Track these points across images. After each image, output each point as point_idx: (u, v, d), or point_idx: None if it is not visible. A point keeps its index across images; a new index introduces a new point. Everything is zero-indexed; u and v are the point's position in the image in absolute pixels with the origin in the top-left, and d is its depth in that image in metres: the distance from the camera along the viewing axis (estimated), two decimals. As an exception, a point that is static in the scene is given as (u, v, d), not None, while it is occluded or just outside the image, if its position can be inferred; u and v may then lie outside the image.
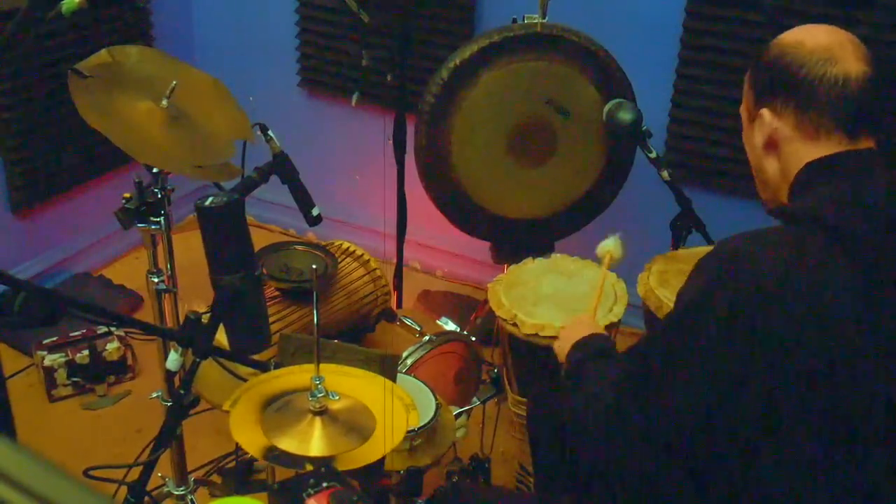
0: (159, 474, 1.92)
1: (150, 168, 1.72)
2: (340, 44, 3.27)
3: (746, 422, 1.19)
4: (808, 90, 1.24)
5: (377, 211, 2.94)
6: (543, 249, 2.62)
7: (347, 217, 3.46)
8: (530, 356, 2.13)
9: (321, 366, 1.52)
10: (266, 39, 3.46)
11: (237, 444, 1.55)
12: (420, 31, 3.02)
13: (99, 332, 2.77)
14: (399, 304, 3.04)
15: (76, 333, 2.77)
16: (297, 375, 1.62)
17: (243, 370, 1.93)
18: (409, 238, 2.93)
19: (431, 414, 1.93)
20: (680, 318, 1.27)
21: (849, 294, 1.16)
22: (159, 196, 1.72)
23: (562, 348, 1.69)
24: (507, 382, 2.21)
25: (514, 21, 2.45)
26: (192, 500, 1.99)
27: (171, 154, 1.75)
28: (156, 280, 1.81)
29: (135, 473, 1.79)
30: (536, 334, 2.02)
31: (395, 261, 2.96)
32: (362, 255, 2.94)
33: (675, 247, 2.36)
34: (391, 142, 2.76)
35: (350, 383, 1.60)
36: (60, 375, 2.70)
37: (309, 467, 1.49)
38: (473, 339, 2.46)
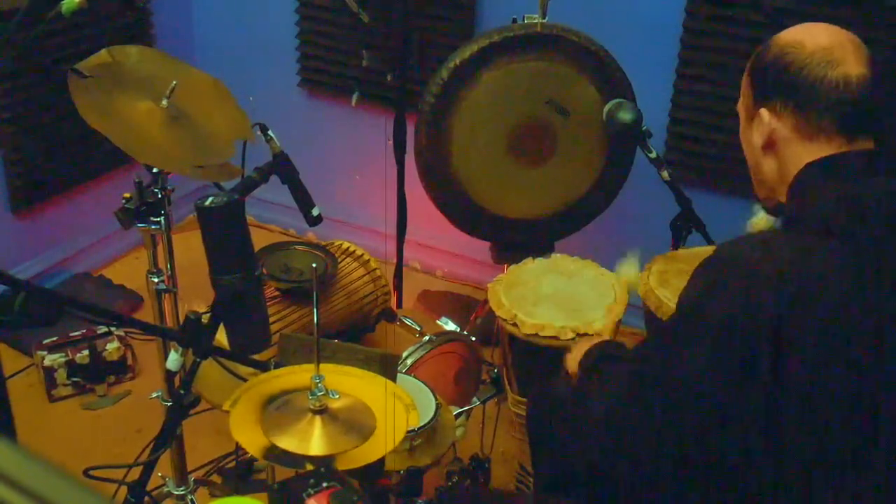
0: (159, 474, 1.92)
1: (150, 168, 1.72)
2: (340, 44, 3.27)
3: (747, 424, 1.19)
4: (809, 92, 1.24)
5: (377, 211, 2.94)
6: (543, 249, 2.62)
7: (347, 217, 3.46)
8: (530, 356, 2.13)
9: (321, 366, 1.52)
10: (266, 39, 3.46)
11: (237, 444, 1.55)
12: (420, 31, 3.02)
13: (99, 332, 2.77)
14: (399, 304, 3.04)
15: (76, 333, 2.77)
16: (297, 375, 1.62)
17: (243, 370, 1.93)
18: (409, 238, 2.93)
19: (431, 414, 1.93)
20: (681, 320, 1.27)
21: (850, 295, 1.16)
22: (159, 196, 1.72)
23: (573, 359, 1.68)
24: (507, 382, 2.21)
25: (514, 21, 2.45)
26: (192, 500, 1.99)
27: (171, 154, 1.75)
28: (156, 280, 1.81)
29: (135, 473, 1.79)
30: (536, 334, 2.02)
31: (395, 261, 2.96)
32: (362, 255, 2.94)
33: (675, 247, 2.36)
34: (391, 142, 2.76)
35: (350, 383, 1.60)
36: (60, 375, 2.70)
37: (309, 467, 1.49)
38: (473, 339, 2.46)
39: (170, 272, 1.82)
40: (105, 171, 3.26)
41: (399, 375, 1.93)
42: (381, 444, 1.48)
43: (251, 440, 1.48)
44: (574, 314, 2.09)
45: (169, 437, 1.77)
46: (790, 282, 1.16)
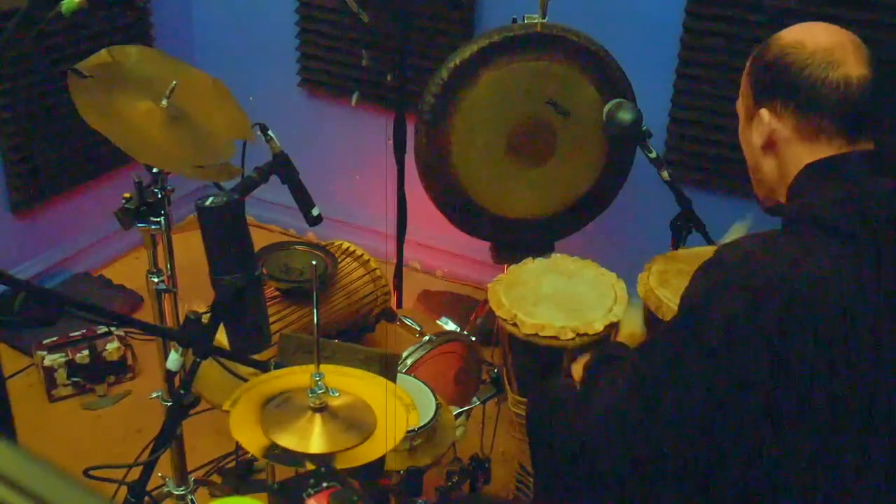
0: (159, 474, 1.92)
1: (150, 168, 1.72)
2: (340, 44, 3.27)
3: (749, 424, 1.19)
4: (810, 93, 1.24)
5: (377, 211, 2.94)
6: (543, 249, 2.62)
7: (347, 217, 3.46)
8: (530, 356, 2.13)
9: (321, 366, 1.52)
10: (266, 39, 3.46)
11: (237, 443, 1.55)
12: (420, 31, 3.02)
13: (99, 332, 2.77)
14: (399, 304, 3.04)
15: (76, 333, 2.77)
16: (297, 375, 1.62)
17: (243, 370, 1.93)
18: (409, 238, 2.93)
19: (431, 414, 1.93)
20: (684, 320, 1.26)
21: (851, 296, 1.16)
22: (159, 196, 1.72)
23: (580, 366, 1.67)
24: (507, 382, 2.21)
25: (514, 21, 2.45)
26: (192, 500, 1.99)
27: (171, 154, 1.75)
28: (156, 280, 1.81)
29: (135, 473, 1.79)
30: (536, 334, 2.02)
31: (395, 261, 2.96)
32: (362, 255, 2.94)
33: (675, 247, 2.36)
34: (391, 142, 2.76)
35: (350, 383, 1.60)
36: (60, 375, 2.70)
37: (309, 466, 1.49)
38: (473, 339, 2.46)
39: (170, 272, 1.82)
40: (105, 171, 3.26)
41: (399, 375, 1.93)
42: (381, 444, 1.48)
43: (251, 440, 1.48)
44: (574, 314, 2.09)
45: (169, 437, 1.77)
46: (791, 283, 1.16)
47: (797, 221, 1.25)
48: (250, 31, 3.48)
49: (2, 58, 2.63)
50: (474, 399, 2.21)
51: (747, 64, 1.36)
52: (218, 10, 3.54)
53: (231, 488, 2.22)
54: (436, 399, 1.99)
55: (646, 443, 1.28)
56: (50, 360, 2.68)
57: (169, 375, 1.76)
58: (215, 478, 2.36)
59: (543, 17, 2.41)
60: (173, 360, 1.70)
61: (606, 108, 2.41)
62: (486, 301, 2.46)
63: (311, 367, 1.52)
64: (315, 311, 1.51)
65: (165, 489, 2.00)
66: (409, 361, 2.23)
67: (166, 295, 1.82)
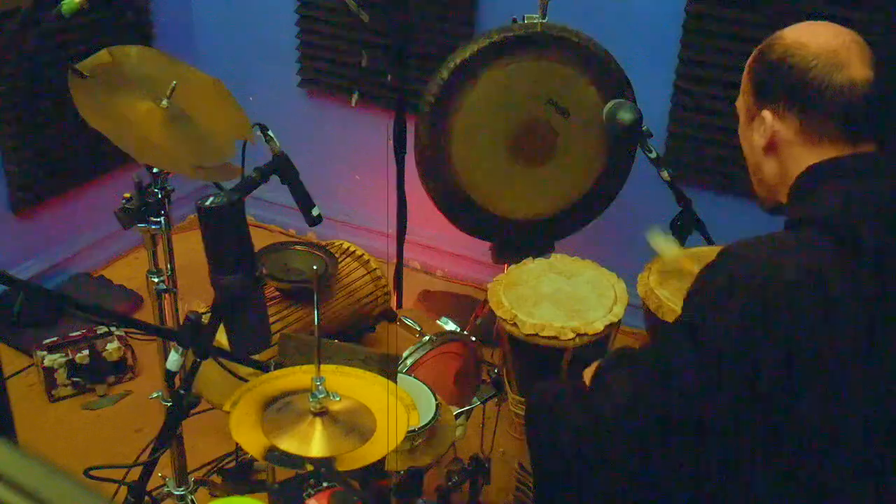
0: (159, 474, 1.92)
1: (150, 168, 1.72)
2: (340, 44, 3.27)
3: (758, 425, 1.19)
4: (814, 96, 1.23)
5: (377, 211, 2.94)
6: (543, 249, 2.62)
7: (347, 217, 3.46)
8: (530, 356, 2.13)
9: (321, 366, 1.52)
10: (266, 39, 3.46)
11: (237, 444, 1.55)
12: (420, 31, 3.02)
13: (99, 332, 2.77)
14: (399, 304, 3.04)
15: (76, 333, 2.77)
16: (297, 376, 1.62)
17: (243, 370, 1.93)
18: (409, 238, 2.93)
19: (431, 414, 1.93)
20: (693, 322, 1.25)
21: (854, 297, 1.16)
22: (159, 196, 1.72)
23: (590, 368, 1.67)
24: (507, 382, 2.21)
25: (514, 21, 2.45)
26: (192, 500, 1.99)
27: (171, 154, 1.75)
28: (156, 280, 1.81)
29: (135, 473, 1.79)
30: (536, 334, 2.02)
31: (395, 261, 2.96)
32: (362, 255, 2.94)
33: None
34: (391, 142, 2.76)
35: (350, 383, 1.60)
36: (60, 375, 2.70)
37: (309, 467, 1.49)
38: (473, 339, 2.46)
39: (170, 272, 1.82)
40: (105, 171, 3.26)
41: (399, 375, 1.93)
42: (382, 445, 1.48)
43: (251, 441, 1.48)
44: (574, 314, 2.09)
45: (169, 437, 1.77)
46: (795, 284, 1.15)
47: (800, 223, 1.24)
48: (250, 31, 3.48)
49: (2, 58, 2.63)
50: (474, 399, 2.21)
51: (749, 62, 1.35)
52: (218, 10, 3.53)
53: (231, 488, 2.22)
54: (436, 399, 1.99)
55: (651, 442, 1.28)
56: (50, 360, 2.68)
57: (169, 375, 1.77)
58: (215, 478, 2.36)
59: (543, 17, 2.41)
60: (173, 360, 1.70)
61: (606, 108, 2.41)
62: (486, 301, 2.46)
63: (312, 368, 1.52)
64: (315, 311, 1.51)
65: (165, 489, 2.00)
66: (409, 361, 2.23)
67: (166, 295, 1.83)
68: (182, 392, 1.71)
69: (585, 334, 2.03)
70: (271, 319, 2.29)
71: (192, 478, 2.02)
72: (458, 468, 2.07)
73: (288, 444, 1.46)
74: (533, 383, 2.11)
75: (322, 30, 3.30)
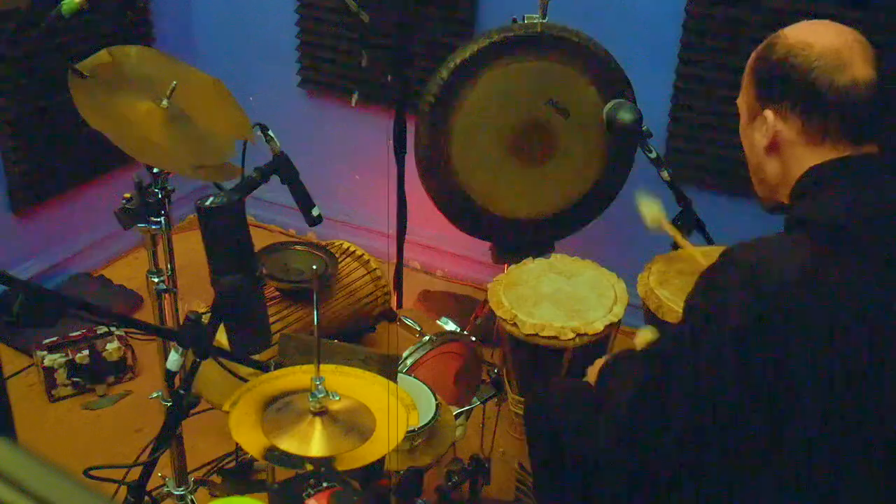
0: (159, 474, 1.92)
1: (150, 168, 1.72)
2: (340, 44, 3.27)
3: (758, 427, 1.19)
4: (817, 97, 1.22)
5: (377, 211, 2.93)
6: (543, 249, 2.62)
7: (347, 217, 3.46)
8: (530, 356, 2.13)
9: (321, 366, 1.52)
10: (266, 39, 3.46)
11: (237, 444, 1.55)
12: (420, 31, 3.02)
13: (99, 332, 2.77)
14: (399, 304, 3.04)
15: (76, 333, 2.76)
16: (297, 376, 1.62)
17: (243, 370, 1.93)
18: (409, 238, 2.93)
19: (431, 414, 1.93)
20: (694, 324, 1.25)
21: (857, 299, 1.16)
22: (159, 196, 1.72)
23: (595, 367, 1.67)
24: (507, 382, 2.21)
25: (514, 21, 2.45)
26: (192, 500, 1.99)
27: (171, 154, 1.75)
28: (156, 280, 1.81)
29: (135, 473, 1.79)
30: (536, 334, 2.02)
31: (395, 261, 2.96)
32: (362, 255, 2.94)
33: (675, 247, 2.36)
34: (391, 142, 2.76)
35: (350, 383, 1.60)
36: (60, 375, 2.70)
37: (309, 467, 1.49)
38: (473, 339, 2.46)
39: (170, 272, 1.82)
40: (105, 171, 3.26)
41: (399, 375, 1.93)
42: (381, 445, 1.48)
43: (251, 441, 1.48)
44: (574, 314, 2.09)
45: (169, 437, 1.77)
46: (799, 288, 1.15)
47: (801, 224, 1.24)
48: (250, 31, 3.48)
49: (2, 58, 2.63)
50: (474, 399, 2.21)
51: (750, 61, 1.34)
52: (218, 10, 3.53)
53: (231, 488, 2.22)
54: (436, 399, 1.99)
55: (654, 444, 1.28)
56: (50, 360, 2.68)
57: (169, 375, 1.76)
58: (215, 478, 2.36)
59: (543, 17, 2.41)
60: (173, 360, 1.70)
61: (606, 108, 2.41)
62: (486, 301, 2.46)
63: (312, 368, 1.52)
64: (315, 311, 1.51)
65: (165, 489, 2.00)
66: (409, 361, 2.23)
67: (166, 295, 1.83)
68: (182, 392, 1.71)
69: (585, 334, 2.03)
70: (271, 319, 2.29)
71: (192, 478, 2.02)
72: (458, 468, 2.07)
73: (288, 444, 1.46)
74: (533, 383, 2.11)
75: (322, 30, 3.30)
